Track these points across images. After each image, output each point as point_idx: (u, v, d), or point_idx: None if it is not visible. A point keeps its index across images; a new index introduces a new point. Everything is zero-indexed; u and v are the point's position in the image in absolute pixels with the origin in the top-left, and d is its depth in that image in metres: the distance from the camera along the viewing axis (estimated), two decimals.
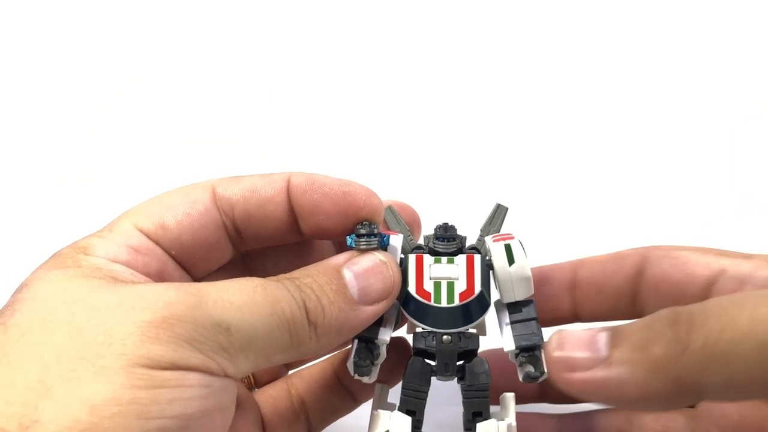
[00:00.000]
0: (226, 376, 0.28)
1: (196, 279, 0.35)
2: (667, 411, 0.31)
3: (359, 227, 0.34)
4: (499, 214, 0.36)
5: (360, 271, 0.33)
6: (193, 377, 0.27)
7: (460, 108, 0.62)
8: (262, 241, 0.36)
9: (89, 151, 0.61)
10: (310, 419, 0.39)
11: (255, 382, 0.41)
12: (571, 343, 0.30)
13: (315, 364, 0.40)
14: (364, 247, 0.34)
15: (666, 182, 0.58)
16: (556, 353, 0.30)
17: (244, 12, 0.67)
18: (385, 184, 0.36)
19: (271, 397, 0.39)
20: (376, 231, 0.34)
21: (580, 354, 0.29)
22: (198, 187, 0.35)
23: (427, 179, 0.59)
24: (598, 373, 0.28)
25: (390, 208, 0.37)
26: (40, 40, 0.66)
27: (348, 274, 0.32)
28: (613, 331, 0.29)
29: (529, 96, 0.62)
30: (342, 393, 0.39)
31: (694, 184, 0.57)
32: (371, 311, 0.33)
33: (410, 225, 0.37)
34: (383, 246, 0.35)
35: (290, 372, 0.42)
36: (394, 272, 0.34)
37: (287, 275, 0.32)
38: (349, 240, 0.34)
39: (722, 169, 0.58)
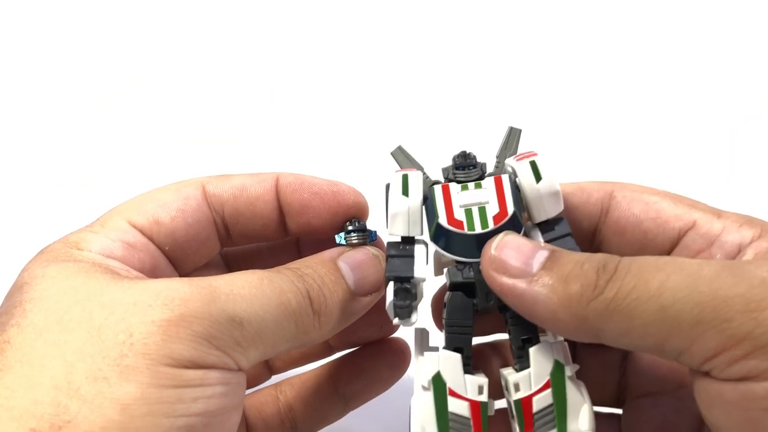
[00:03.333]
0: (239, 369, 0.29)
1: (183, 275, 0.36)
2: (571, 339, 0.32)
3: (348, 224, 0.35)
4: (513, 136, 0.35)
5: (355, 263, 0.34)
6: (213, 375, 0.27)
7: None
8: (248, 238, 0.37)
9: (89, 151, 0.61)
10: (297, 426, 0.39)
11: None
12: (511, 248, 0.30)
13: (308, 371, 0.41)
14: (356, 241, 0.35)
15: (666, 182, 0.57)
16: (493, 252, 0.30)
17: (242, 15, 0.67)
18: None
19: (258, 401, 0.39)
20: (364, 227, 0.36)
21: (513, 261, 0.30)
22: (187, 184, 0.35)
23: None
24: (519, 284, 0.29)
25: (400, 148, 0.35)
26: (41, 41, 0.66)
27: (344, 266, 0.33)
28: (552, 253, 0.29)
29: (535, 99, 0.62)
30: (335, 400, 0.39)
31: (694, 184, 0.57)
32: (365, 302, 0.34)
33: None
34: (372, 241, 0.36)
35: (273, 376, 0.42)
36: (384, 267, 0.34)
37: (287, 266, 0.33)
38: (338, 238, 0.35)
39: (722, 168, 0.58)
